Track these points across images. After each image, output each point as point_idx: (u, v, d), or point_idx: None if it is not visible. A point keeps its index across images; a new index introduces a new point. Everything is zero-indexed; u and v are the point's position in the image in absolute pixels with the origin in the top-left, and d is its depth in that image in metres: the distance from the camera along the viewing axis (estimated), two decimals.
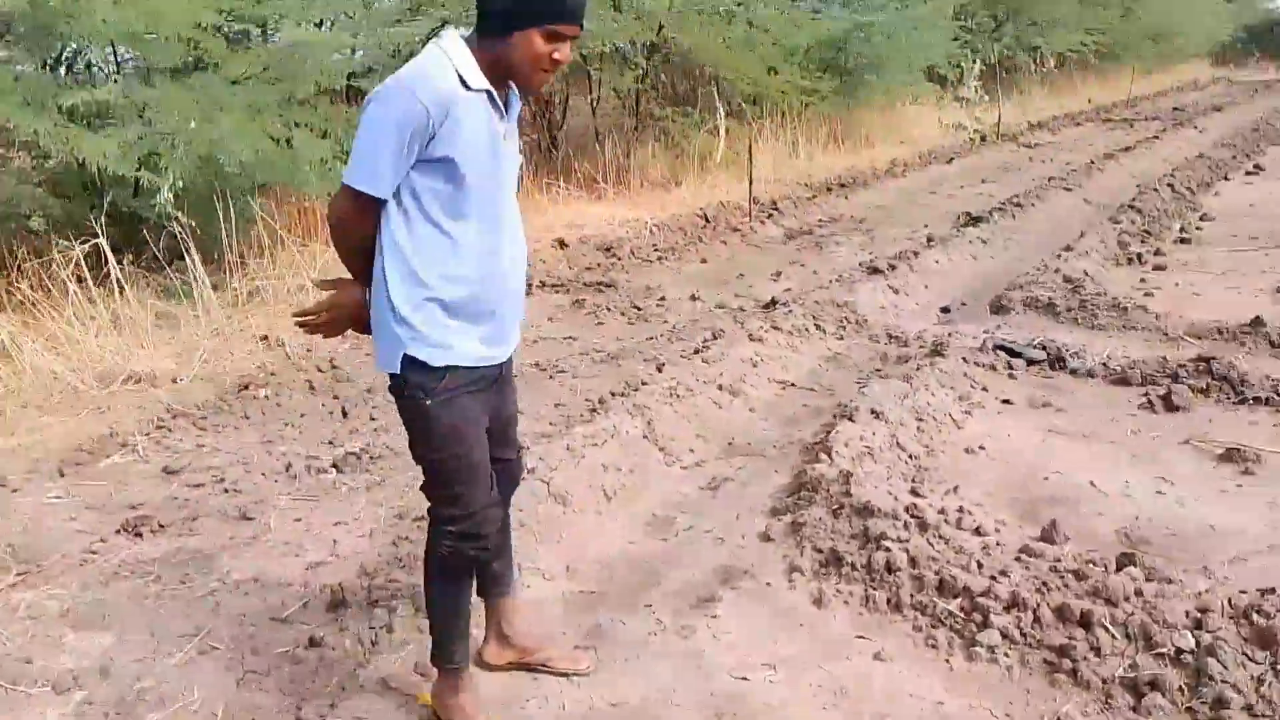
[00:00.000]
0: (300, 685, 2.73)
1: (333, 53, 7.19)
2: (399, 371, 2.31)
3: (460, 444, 2.38)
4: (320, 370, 5.30)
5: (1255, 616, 2.88)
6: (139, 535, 3.62)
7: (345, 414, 4.75)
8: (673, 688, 2.80)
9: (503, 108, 2.30)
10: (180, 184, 5.71)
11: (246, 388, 5.11)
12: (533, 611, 3.02)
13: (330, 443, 4.46)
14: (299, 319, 2.48)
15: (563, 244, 8.19)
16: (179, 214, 5.86)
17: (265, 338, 5.78)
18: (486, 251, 2.33)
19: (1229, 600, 2.98)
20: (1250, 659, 2.79)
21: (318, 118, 6.79)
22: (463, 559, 2.48)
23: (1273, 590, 3.13)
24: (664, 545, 3.64)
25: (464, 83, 2.17)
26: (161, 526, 3.69)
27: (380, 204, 2.22)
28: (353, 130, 2.30)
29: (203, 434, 4.59)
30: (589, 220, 8.98)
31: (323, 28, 8.00)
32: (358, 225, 2.26)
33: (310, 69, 6.68)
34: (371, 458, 4.26)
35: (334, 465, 4.19)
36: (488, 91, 2.23)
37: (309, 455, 4.30)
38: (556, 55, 2.19)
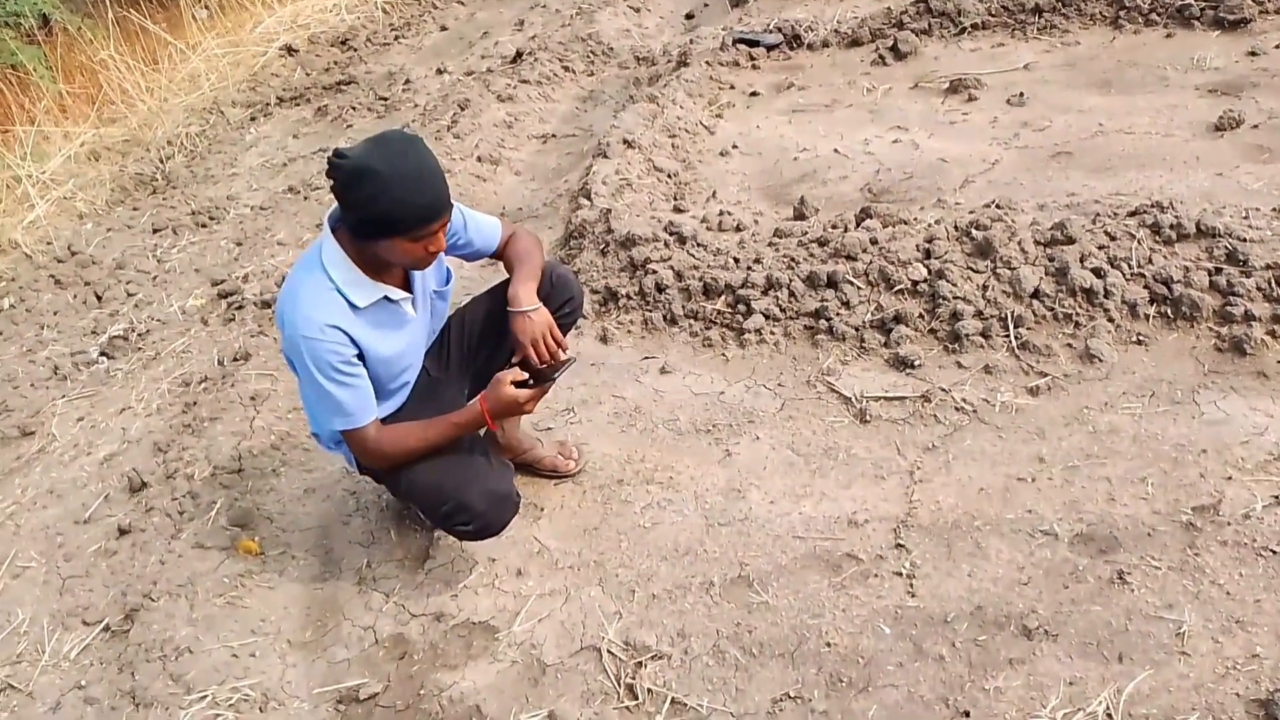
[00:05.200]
0: (121, 574, 2.74)
1: None
2: None
3: None
4: (60, 261, 4.90)
5: (974, 232, 3.17)
6: None
7: (99, 298, 4.46)
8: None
9: (410, 293, 2.23)
10: None
11: None
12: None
13: (93, 332, 4.21)
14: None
15: (291, 50, 7.53)
16: None
17: None
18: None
19: (954, 225, 3.25)
20: (974, 270, 3.09)
21: None
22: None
23: (990, 203, 3.44)
24: None
25: (352, 305, 2.08)
26: None
27: (375, 420, 2.17)
28: None
29: None
30: (312, 16, 8.22)
31: None
32: (377, 445, 2.18)
33: None
34: (140, 335, 4.06)
35: (103, 354, 3.99)
36: (383, 297, 2.14)
37: (75, 352, 4.07)
38: (430, 248, 2.05)
